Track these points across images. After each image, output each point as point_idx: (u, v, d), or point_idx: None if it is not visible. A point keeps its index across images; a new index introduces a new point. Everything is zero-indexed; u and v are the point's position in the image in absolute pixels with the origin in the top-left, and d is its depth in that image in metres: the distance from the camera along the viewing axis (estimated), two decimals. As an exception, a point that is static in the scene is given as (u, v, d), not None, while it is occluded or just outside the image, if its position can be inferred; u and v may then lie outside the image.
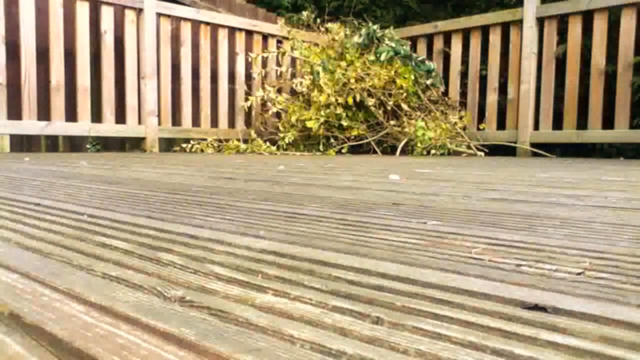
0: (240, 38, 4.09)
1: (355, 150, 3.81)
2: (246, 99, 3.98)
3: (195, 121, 3.87)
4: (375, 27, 3.95)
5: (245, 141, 3.86)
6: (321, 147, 3.76)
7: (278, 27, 4.24)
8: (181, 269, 0.41)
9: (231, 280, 0.38)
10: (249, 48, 4.13)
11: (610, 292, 0.35)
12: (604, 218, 0.69)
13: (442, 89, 3.99)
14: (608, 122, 3.37)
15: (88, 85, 3.33)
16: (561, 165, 2.34)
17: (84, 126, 3.32)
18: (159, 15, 3.62)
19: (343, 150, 3.74)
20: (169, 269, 0.41)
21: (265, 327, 0.28)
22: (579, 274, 0.40)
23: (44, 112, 3.18)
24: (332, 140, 3.78)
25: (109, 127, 3.45)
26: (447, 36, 4.13)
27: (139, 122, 3.58)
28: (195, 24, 3.83)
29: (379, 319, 0.30)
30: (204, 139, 3.82)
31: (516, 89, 3.74)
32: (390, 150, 3.79)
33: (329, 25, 4.13)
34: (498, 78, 3.85)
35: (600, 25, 3.37)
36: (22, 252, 0.47)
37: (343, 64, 3.79)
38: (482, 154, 3.60)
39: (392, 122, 3.73)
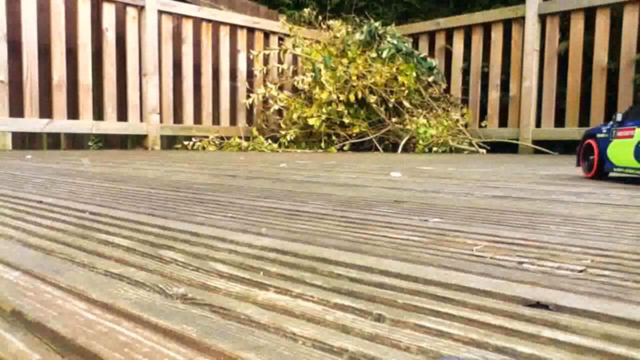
0: (242, 35, 4.09)
1: (356, 147, 3.81)
2: (248, 97, 3.98)
3: (197, 119, 3.87)
4: (376, 24, 3.94)
5: (247, 139, 3.86)
6: (323, 145, 3.75)
7: (279, 25, 4.23)
8: (183, 267, 0.41)
9: (233, 277, 0.38)
10: (250, 45, 4.13)
11: (612, 290, 0.34)
12: (606, 215, 0.69)
13: (443, 86, 3.99)
14: (610, 119, 3.36)
15: (90, 83, 3.33)
16: (563, 162, 2.33)
17: (85, 124, 3.33)
18: (160, 12, 3.61)
19: (344, 148, 3.74)
20: (170, 266, 0.41)
21: (267, 324, 0.28)
22: (581, 271, 0.39)
23: (45, 110, 3.18)
24: (333, 137, 3.78)
25: (110, 125, 3.45)
26: (449, 33, 4.12)
27: (141, 120, 3.59)
28: (197, 22, 3.83)
29: (380, 316, 0.30)
30: (206, 137, 3.82)
31: (518, 86, 3.73)
32: (391, 148, 3.79)
33: (331, 22, 4.12)
34: (500, 75, 3.84)
35: (602, 22, 3.36)
36: (25, 250, 0.47)
37: (345, 61, 3.79)
38: (484, 151, 3.60)
39: (393, 120, 3.73)
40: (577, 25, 3.47)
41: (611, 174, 1.30)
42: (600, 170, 1.29)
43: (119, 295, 0.33)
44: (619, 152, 1.20)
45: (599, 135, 1.32)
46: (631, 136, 1.16)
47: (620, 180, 1.31)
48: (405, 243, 0.50)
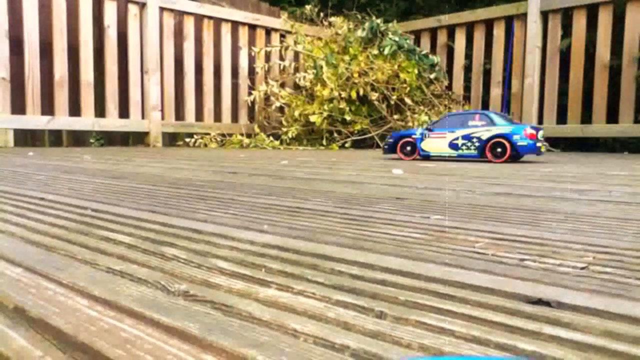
0: (244, 32, 4.09)
1: (358, 144, 3.81)
2: (249, 94, 3.98)
3: (199, 116, 3.87)
4: (378, 21, 3.93)
5: (249, 136, 3.86)
6: (324, 142, 3.75)
7: (281, 21, 4.23)
8: (185, 263, 0.41)
9: (234, 274, 0.38)
10: (252, 42, 4.12)
11: (614, 287, 0.34)
12: (608, 212, 0.69)
13: (445, 83, 3.98)
14: (612, 116, 3.36)
15: (91, 80, 3.33)
16: (565, 159, 2.33)
17: (87, 121, 3.33)
18: (162, 9, 3.61)
19: (346, 145, 3.74)
20: (172, 263, 0.41)
21: (268, 321, 0.28)
22: (582, 268, 0.39)
23: (47, 107, 3.19)
24: (335, 134, 3.78)
25: (112, 122, 3.45)
26: (451, 30, 4.11)
27: (143, 117, 3.59)
28: (198, 18, 3.83)
29: (382, 313, 0.30)
30: (207, 134, 3.82)
31: (520, 83, 3.72)
32: (393, 145, 3.78)
33: (332, 19, 4.12)
34: (502, 72, 3.84)
35: (604, 19, 3.35)
36: (27, 246, 0.47)
37: (346, 58, 3.78)
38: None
39: (395, 117, 3.72)
40: (580, 22, 3.46)
41: (426, 156, 2.18)
42: (416, 154, 2.20)
43: (121, 292, 0.33)
44: (435, 145, 2.13)
45: (413, 136, 2.19)
46: (444, 137, 2.11)
47: (624, 176, 1.31)
48: (406, 240, 0.50)
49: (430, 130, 2.15)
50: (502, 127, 2.01)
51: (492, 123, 2.03)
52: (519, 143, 1.95)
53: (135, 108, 3.55)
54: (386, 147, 2.27)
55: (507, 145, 1.97)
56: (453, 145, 2.08)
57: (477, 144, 2.02)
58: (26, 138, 3.46)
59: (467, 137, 2.04)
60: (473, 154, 2.05)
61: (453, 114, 2.17)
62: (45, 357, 0.24)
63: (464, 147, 2.05)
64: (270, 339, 0.26)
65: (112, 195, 0.84)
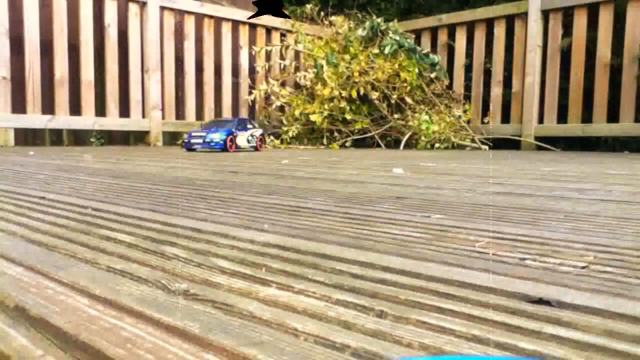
0: (244, 31, 4.08)
1: (359, 144, 3.80)
2: (250, 93, 3.98)
3: (199, 115, 3.87)
4: (379, 20, 3.93)
5: (249, 135, 3.86)
6: (325, 141, 3.75)
7: (281, 21, 4.22)
8: (185, 263, 0.41)
9: (235, 273, 0.38)
10: (252, 41, 4.12)
11: (614, 286, 0.34)
12: (608, 212, 0.69)
13: (446, 82, 3.98)
14: (613, 115, 3.35)
15: (92, 79, 3.33)
16: (565, 158, 2.33)
17: (88, 120, 3.33)
18: (162, 8, 3.61)
19: (347, 144, 3.74)
20: (173, 262, 0.41)
21: (269, 320, 0.28)
22: (583, 267, 0.39)
23: (48, 106, 3.19)
24: (335, 134, 3.78)
25: (112, 121, 3.45)
26: (452, 29, 4.11)
27: (143, 116, 3.59)
28: (199, 18, 3.83)
29: (382, 312, 0.30)
30: (208, 133, 3.82)
31: (520, 82, 3.72)
32: (394, 144, 3.78)
33: (333, 18, 4.11)
34: (502, 71, 3.83)
35: (605, 18, 3.34)
36: (27, 245, 0.47)
37: (347, 57, 3.78)
38: (486, 147, 3.59)
39: (396, 116, 3.72)
40: (580, 21, 3.46)
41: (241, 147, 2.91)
42: (234, 148, 2.85)
43: (122, 291, 0.33)
44: (241, 140, 2.90)
45: (234, 134, 2.85)
46: (244, 135, 2.93)
47: (624, 175, 1.31)
48: (407, 239, 0.50)
49: (238, 129, 2.94)
50: (259, 129, 3.10)
51: (255, 127, 3.07)
52: (266, 138, 3.29)
53: (135, 107, 3.55)
54: (219, 142, 2.80)
55: (263, 139, 3.11)
56: (248, 140, 2.97)
57: (255, 139, 3.02)
58: (27, 137, 3.46)
59: (252, 135, 3.00)
60: (254, 145, 3.01)
61: (240, 118, 3.09)
62: (45, 356, 0.24)
63: (252, 142, 2.99)
64: (270, 338, 0.26)
65: (113, 195, 0.84)
